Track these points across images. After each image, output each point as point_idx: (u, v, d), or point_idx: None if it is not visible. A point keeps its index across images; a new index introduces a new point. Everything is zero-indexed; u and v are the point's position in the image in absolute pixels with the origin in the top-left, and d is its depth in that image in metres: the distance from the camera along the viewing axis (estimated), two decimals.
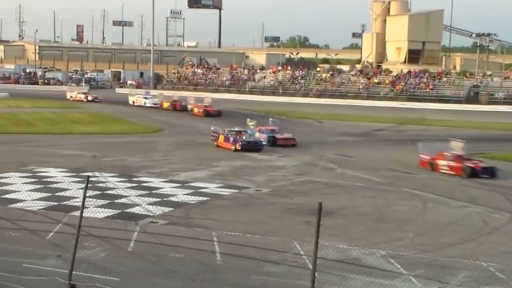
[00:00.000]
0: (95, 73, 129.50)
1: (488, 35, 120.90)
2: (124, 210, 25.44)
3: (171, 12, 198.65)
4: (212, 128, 49.15)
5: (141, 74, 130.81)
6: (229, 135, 46.04)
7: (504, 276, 18.46)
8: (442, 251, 20.96)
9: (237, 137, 45.78)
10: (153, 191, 29.51)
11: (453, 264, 19.59)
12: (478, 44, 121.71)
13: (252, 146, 45.51)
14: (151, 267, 18.63)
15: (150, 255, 19.66)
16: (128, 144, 47.40)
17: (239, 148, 44.55)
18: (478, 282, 18.01)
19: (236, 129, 47.63)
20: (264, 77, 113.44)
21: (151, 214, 25.09)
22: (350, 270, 18.66)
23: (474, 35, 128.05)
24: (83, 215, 14.91)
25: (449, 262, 19.82)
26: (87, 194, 23.56)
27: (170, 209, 26.09)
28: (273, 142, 47.69)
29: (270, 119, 54.06)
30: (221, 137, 46.45)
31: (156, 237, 21.38)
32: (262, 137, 48.16)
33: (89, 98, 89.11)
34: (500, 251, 21.44)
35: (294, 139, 49.12)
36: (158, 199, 27.69)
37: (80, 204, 16.20)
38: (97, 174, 33.32)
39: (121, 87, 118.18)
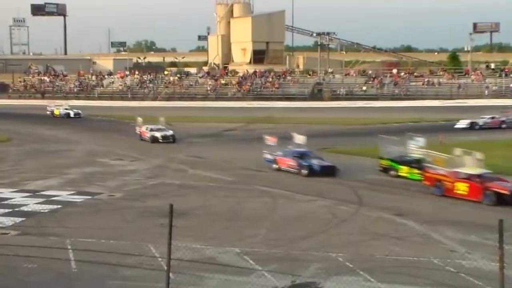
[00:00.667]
0: None
1: (328, 34, 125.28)
2: None
3: (14, 20, 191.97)
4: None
5: None
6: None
7: (352, 265, 19.21)
8: (294, 245, 21.65)
9: None
10: (3, 202, 28.60)
11: (305, 257, 20.20)
12: (319, 43, 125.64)
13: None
14: (3, 280, 18.14)
15: (2, 267, 19.08)
16: None
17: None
18: (328, 272, 18.60)
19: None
20: (113, 82, 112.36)
21: (1, 225, 24.37)
22: (205, 269, 18.89)
23: (315, 35, 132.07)
24: None
25: (301, 255, 20.44)
26: None
27: (22, 219, 25.41)
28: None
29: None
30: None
31: (8, 248, 20.82)
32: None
33: None
34: (348, 241, 22.44)
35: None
36: (8, 210, 26.91)
37: None
38: None
39: None
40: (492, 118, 61.69)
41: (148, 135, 53.56)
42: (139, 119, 54.99)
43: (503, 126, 60.82)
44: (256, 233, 23.54)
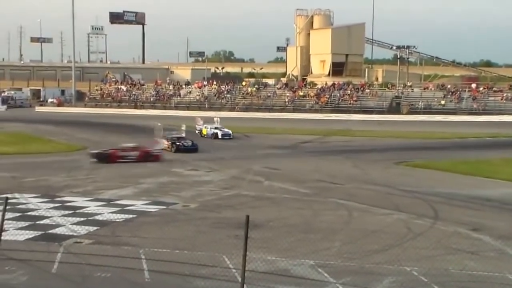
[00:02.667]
0: (12, 92, 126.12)
1: (408, 47, 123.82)
2: (47, 231, 24.67)
3: (93, 28, 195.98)
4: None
5: (62, 92, 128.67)
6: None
7: (426, 279, 18.83)
8: (368, 258, 21.14)
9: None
10: (77, 211, 28.82)
11: (379, 270, 19.77)
12: (399, 56, 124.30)
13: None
14: None
15: (75, 276, 19.10)
16: (50, 164, 46.29)
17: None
18: (403, 286, 18.28)
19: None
20: (190, 92, 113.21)
21: (75, 234, 24.48)
22: (279, 281, 18.58)
23: (394, 48, 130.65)
24: (3, 238, 14.28)
25: (375, 268, 20.00)
26: (7, 216, 23.06)
27: (96, 228, 25.50)
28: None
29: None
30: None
31: (81, 257, 20.86)
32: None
33: None
34: (422, 255, 21.81)
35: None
36: (82, 219, 27.04)
37: None
38: (17, 195, 32.28)
39: (41, 105, 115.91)
40: None
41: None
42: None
43: None
44: (330, 245, 23.07)
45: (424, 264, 20.48)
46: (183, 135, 55.97)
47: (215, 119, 61.97)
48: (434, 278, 18.78)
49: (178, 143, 53.95)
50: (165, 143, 53.88)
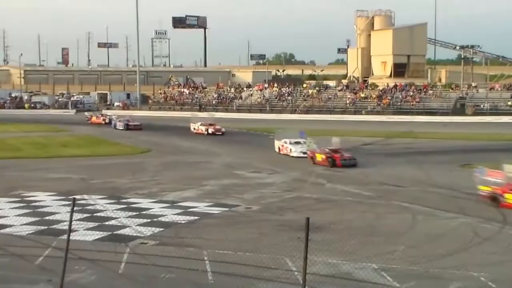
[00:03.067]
0: (81, 96, 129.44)
1: (472, 47, 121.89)
2: (114, 232, 25.23)
3: (156, 33, 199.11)
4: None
5: (128, 95, 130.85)
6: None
7: (495, 285, 18.48)
8: (433, 263, 20.91)
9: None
10: (142, 212, 29.33)
11: (445, 275, 19.57)
12: (463, 57, 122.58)
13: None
14: None
15: (141, 276, 19.50)
16: (117, 166, 47.23)
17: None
18: None
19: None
20: (251, 94, 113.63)
21: (141, 235, 24.91)
22: (342, 284, 18.59)
23: (458, 48, 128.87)
24: (73, 238, 14.72)
25: (441, 273, 19.80)
26: (76, 217, 23.60)
27: (160, 229, 25.90)
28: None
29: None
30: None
31: (146, 258, 21.22)
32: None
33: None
34: (490, 260, 21.44)
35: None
36: (147, 220, 27.51)
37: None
38: (85, 196, 33.08)
39: (107, 109, 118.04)
40: None
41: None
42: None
43: None
44: (394, 249, 22.91)
45: (493, 270, 20.14)
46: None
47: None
48: (504, 285, 18.47)
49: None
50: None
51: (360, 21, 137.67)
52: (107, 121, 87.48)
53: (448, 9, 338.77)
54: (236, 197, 34.33)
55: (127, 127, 79.05)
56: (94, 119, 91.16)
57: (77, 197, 30.54)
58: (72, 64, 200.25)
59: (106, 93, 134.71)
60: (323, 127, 77.92)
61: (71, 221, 15.34)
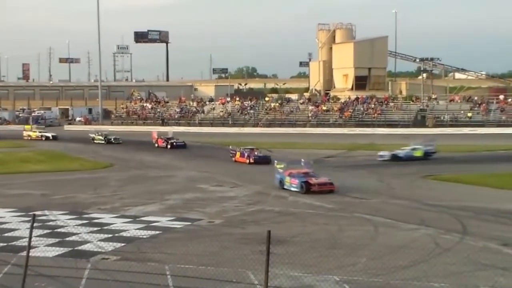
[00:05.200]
0: (42, 111, 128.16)
1: (432, 59, 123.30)
2: (75, 248, 24.96)
3: (118, 48, 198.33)
4: (230, 147, 60.93)
5: (90, 110, 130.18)
6: (244, 152, 57.24)
7: None
8: (394, 274, 21.01)
9: (251, 153, 56.68)
10: (104, 227, 29.11)
11: (406, 287, 19.66)
12: (422, 69, 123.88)
13: (263, 160, 55.83)
14: None
15: None
16: (78, 181, 46.87)
17: (253, 162, 55.87)
18: None
19: (250, 147, 59.27)
20: (213, 108, 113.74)
21: (102, 250, 24.69)
22: None
23: (418, 60, 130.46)
24: (32, 254, 14.53)
25: (402, 285, 19.87)
26: (36, 233, 23.30)
27: (122, 244, 25.72)
28: (307, 188, 39.79)
29: (302, 160, 44.54)
30: (238, 154, 57.56)
31: (108, 273, 21.04)
32: (293, 182, 40.70)
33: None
34: (451, 271, 21.62)
35: (332, 183, 40.82)
36: (109, 235, 27.30)
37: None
38: (46, 212, 32.78)
39: (69, 124, 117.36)
40: None
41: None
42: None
43: None
44: (356, 261, 22.98)
45: (453, 281, 20.27)
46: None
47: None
48: None
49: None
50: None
51: (322, 35, 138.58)
52: None
53: (408, 22, 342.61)
54: (198, 211, 34.25)
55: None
56: None
57: (38, 213, 30.34)
58: (33, 80, 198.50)
59: (68, 108, 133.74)
60: (286, 140, 78.19)
61: (30, 237, 15.20)
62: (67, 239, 26.62)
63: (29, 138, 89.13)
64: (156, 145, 74.33)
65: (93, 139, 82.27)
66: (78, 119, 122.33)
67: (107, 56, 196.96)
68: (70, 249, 24.77)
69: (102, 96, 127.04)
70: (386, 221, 31.15)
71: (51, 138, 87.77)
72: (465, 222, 30.65)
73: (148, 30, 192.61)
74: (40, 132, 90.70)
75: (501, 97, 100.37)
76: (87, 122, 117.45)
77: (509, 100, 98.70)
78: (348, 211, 34.02)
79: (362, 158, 59.98)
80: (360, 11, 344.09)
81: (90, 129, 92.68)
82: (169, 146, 72.38)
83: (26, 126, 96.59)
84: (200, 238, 27.35)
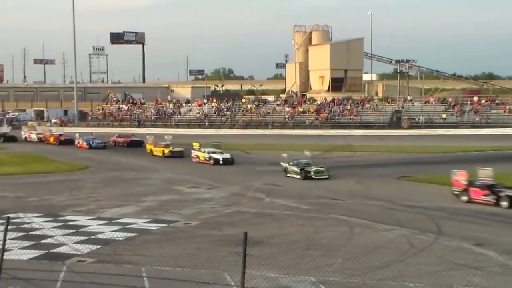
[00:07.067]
0: (17, 113, 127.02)
1: (407, 61, 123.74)
2: (50, 250, 24.83)
3: (94, 49, 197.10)
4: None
5: (65, 112, 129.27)
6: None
7: None
8: (370, 275, 21.15)
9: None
10: (80, 230, 28.99)
11: (381, 287, 19.81)
12: (398, 71, 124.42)
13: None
14: None
15: None
16: (54, 183, 46.54)
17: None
18: None
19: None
20: (190, 110, 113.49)
21: (78, 253, 24.58)
22: None
23: (394, 62, 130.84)
24: (7, 257, 14.42)
25: (378, 285, 20.02)
26: (11, 236, 23.14)
27: (98, 246, 25.63)
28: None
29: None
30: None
31: (84, 276, 20.96)
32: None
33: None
34: (425, 271, 21.80)
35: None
36: (85, 237, 27.19)
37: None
38: (21, 215, 32.55)
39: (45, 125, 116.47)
40: None
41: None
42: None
43: None
44: (332, 262, 23.11)
45: (428, 280, 20.46)
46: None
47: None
48: None
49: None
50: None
51: (298, 36, 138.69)
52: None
53: (384, 24, 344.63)
54: (175, 212, 34.24)
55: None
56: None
57: (12, 215, 30.22)
58: (7, 81, 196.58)
59: (43, 110, 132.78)
60: (262, 141, 78.26)
61: (5, 240, 15.11)
62: (42, 241, 26.44)
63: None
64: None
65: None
66: (53, 120, 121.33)
67: (83, 57, 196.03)
68: (45, 251, 24.64)
69: (78, 97, 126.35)
70: (362, 222, 31.35)
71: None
72: (440, 222, 30.97)
73: (124, 32, 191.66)
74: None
75: (475, 98, 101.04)
76: (62, 123, 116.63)
77: (483, 101, 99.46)
78: (324, 212, 34.18)
79: (338, 159, 60.16)
80: (336, 13, 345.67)
81: (66, 131, 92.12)
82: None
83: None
84: (176, 240, 27.34)
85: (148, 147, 68.67)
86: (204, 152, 59.58)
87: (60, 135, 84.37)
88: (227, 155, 58.76)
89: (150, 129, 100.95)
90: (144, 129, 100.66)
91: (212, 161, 58.08)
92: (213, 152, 59.22)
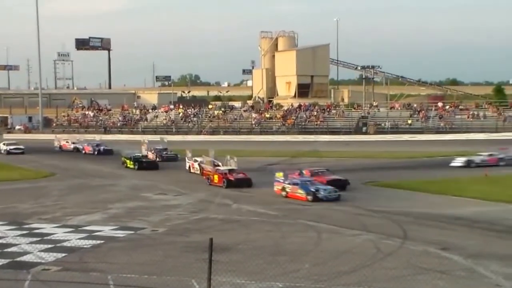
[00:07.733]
0: None
1: (373, 67, 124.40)
2: (15, 259, 24.53)
3: (59, 55, 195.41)
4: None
5: (30, 119, 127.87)
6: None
7: None
8: (337, 280, 21.24)
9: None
10: (45, 238, 28.71)
11: None
12: (364, 77, 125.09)
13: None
14: None
15: None
16: (19, 191, 46.02)
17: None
18: None
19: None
20: (157, 116, 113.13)
21: (43, 261, 24.33)
22: None
23: (359, 68, 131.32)
24: None
25: None
26: None
27: (64, 254, 25.39)
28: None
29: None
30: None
31: (49, 284, 20.78)
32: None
33: None
34: (392, 276, 21.93)
35: None
36: (50, 245, 26.93)
37: None
38: None
39: (8, 132, 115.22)
40: (490, 155, 57.90)
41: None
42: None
43: (501, 163, 56.63)
44: (299, 267, 23.15)
45: (394, 285, 20.62)
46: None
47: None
48: None
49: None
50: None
51: (264, 42, 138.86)
52: None
53: (350, 31, 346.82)
54: (142, 219, 34.06)
55: None
56: None
57: None
58: None
59: (7, 117, 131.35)
60: (229, 147, 78.05)
61: None
62: (6, 250, 26.17)
63: None
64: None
65: None
66: (17, 127, 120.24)
67: (48, 63, 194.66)
68: (9, 260, 24.35)
69: (43, 104, 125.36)
70: (329, 227, 31.47)
71: None
72: (406, 227, 31.17)
73: (90, 37, 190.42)
74: None
75: (440, 104, 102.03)
76: (27, 130, 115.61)
77: (447, 107, 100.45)
78: (291, 217, 34.23)
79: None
80: (302, 19, 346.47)
81: (30, 138, 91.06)
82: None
83: None
84: (143, 247, 27.20)
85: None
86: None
87: None
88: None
89: (116, 135, 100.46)
90: (110, 135, 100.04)
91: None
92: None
